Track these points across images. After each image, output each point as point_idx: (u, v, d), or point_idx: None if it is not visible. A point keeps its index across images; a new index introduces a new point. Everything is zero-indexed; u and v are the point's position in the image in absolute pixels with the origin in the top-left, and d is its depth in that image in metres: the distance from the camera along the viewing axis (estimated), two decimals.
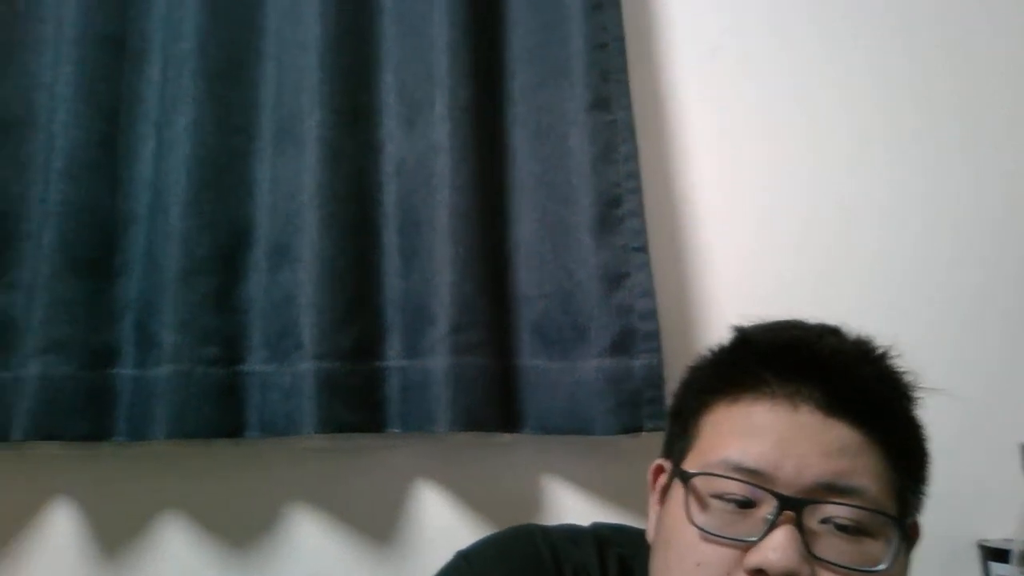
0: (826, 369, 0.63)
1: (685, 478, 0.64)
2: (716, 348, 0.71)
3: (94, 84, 1.04)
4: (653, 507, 0.71)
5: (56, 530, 1.02)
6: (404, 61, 1.06)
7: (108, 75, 1.06)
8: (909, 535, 0.64)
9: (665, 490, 0.69)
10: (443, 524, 1.01)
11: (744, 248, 1.06)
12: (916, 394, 0.66)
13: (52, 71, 1.06)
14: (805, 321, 0.68)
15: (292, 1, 1.07)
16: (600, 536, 0.76)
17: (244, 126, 1.05)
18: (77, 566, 1.01)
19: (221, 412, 0.97)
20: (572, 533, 0.77)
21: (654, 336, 0.97)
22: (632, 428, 0.95)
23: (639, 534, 0.74)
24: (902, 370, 0.66)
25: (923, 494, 0.67)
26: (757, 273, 1.04)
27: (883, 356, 0.66)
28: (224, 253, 1.01)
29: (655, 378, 0.96)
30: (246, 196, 1.04)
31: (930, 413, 0.66)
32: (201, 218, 1.00)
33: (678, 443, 0.69)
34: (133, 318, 1.01)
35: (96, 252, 1.02)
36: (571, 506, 1.01)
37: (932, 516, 0.67)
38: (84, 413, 0.98)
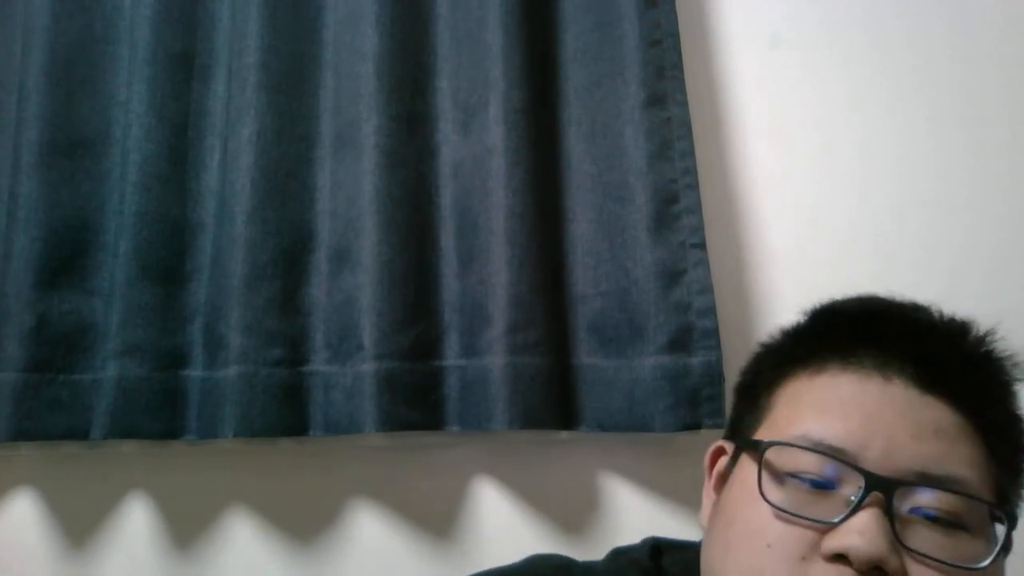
0: (923, 341, 0.57)
1: (760, 448, 0.57)
2: (794, 322, 0.65)
3: (165, 100, 1.08)
4: (708, 494, 0.67)
5: (132, 522, 1.06)
6: (459, 67, 1.07)
7: (178, 91, 1.09)
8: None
9: (723, 476, 0.64)
10: (502, 521, 1.01)
11: (801, 243, 1.03)
12: (1018, 380, 0.60)
13: (127, 89, 1.10)
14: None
15: (349, 12, 1.08)
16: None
17: (304, 135, 1.07)
18: (150, 556, 1.06)
19: (285, 411, 1.00)
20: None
21: (712, 333, 0.96)
22: (690, 426, 0.94)
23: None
24: (1008, 352, 0.60)
25: (1021, 498, 0.60)
26: (814, 269, 1.01)
27: (985, 335, 0.60)
28: (287, 258, 1.04)
29: (713, 375, 0.95)
30: (307, 202, 1.06)
31: None
32: (265, 225, 1.03)
33: (747, 418, 0.63)
34: (202, 322, 1.05)
35: (167, 259, 1.05)
36: (628, 504, 1.00)
37: None
38: (158, 413, 1.01)
